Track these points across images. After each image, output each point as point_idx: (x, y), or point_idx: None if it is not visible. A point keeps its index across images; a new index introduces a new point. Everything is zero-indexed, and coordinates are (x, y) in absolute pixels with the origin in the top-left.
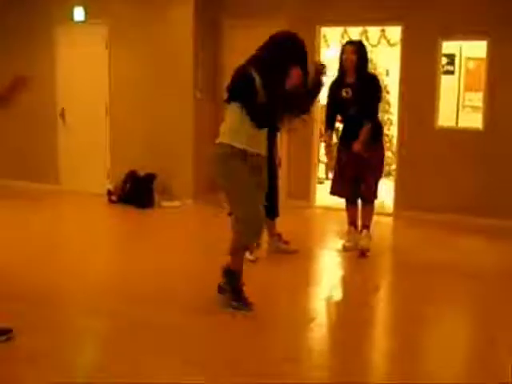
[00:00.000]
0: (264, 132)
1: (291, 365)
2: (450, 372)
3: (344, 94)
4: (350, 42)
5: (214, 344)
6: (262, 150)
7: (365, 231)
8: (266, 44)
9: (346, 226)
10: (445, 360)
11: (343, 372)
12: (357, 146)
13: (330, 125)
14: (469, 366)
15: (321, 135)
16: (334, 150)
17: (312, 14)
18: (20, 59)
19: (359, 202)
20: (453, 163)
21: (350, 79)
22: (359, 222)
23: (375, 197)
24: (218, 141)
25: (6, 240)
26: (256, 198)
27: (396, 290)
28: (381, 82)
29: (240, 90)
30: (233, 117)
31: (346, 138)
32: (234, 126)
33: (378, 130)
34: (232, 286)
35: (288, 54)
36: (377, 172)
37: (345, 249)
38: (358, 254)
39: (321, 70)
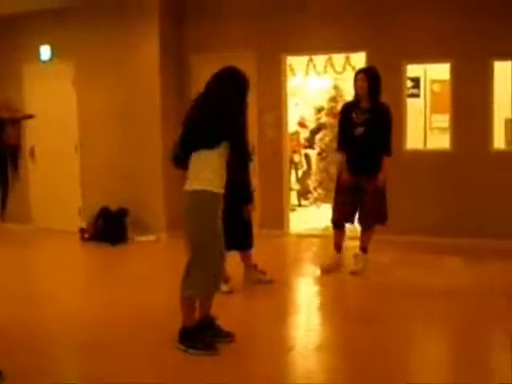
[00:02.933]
0: None
1: None
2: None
3: (354, 115)
4: (362, 70)
5: (195, 372)
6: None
7: (360, 253)
8: (214, 83)
9: (322, 251)
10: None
11: None
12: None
13: (341, 145)
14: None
15: (291, 161)
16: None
17: (277, 43)
18: None
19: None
20: (422, 185)
21: (365, 104)
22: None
23: (376, 221)
24: (193, 187)
25: None
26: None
27: (374, 313)
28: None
29: (228, 130)
30: (212, 161)
31: (351, 161)
32: (214, 171)
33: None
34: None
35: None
36: (377, 197)
37: (323, 269)
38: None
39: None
